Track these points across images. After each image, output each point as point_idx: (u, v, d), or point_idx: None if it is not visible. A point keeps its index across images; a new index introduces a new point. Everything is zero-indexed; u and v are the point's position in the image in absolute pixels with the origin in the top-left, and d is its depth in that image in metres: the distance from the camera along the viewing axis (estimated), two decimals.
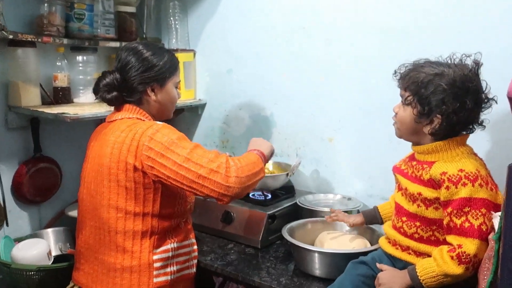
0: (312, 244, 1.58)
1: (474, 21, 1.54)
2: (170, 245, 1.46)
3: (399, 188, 1.35)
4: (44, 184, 2.04)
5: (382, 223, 1.50)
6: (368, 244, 1.52)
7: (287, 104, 2.06)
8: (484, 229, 1.13)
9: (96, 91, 1.50)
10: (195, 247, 1.58)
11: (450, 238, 1.18)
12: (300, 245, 1.47)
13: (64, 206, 2.12)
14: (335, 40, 1.87)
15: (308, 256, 1.47)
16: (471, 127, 1.25)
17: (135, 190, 1.39)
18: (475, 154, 1.27)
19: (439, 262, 1.16)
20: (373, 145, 1.83)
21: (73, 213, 2.00)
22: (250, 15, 2.11)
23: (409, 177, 1.30)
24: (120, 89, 1.48)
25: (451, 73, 1.19)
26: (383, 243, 1.37)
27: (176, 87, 1.58)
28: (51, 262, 1.76)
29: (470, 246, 1.13)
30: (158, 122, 1.44)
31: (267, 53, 2.08)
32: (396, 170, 1.39)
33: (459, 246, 1.14)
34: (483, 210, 1.14)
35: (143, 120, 1.48)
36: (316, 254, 1.45)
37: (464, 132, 1.26)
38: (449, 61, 1.25)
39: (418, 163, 1.28)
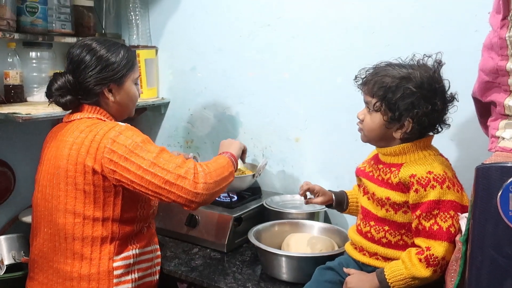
0: (280, 247, 1.55)
1: (438, 19, 1.54)
2: (131, 251, 1.39)
3: (365, 192, 1.32)
4: None
5: (345, 209, 1.45)
6: (336, 246, 1.50)
7: (253, 103, 2.01)
8: (452, 231, 1.13)
9: (49, 95, 1.41)
10: (158, 253, 1.52)
11: (418, 241, 1.17)
12: (266, 249, 1.44)
13: (18, 212, 2.00)
14: (301, 37, 1.84)
15: (275, 260, 1.44)
16: (437, 127, 1.24)
17: (94, 193, 1.31)
18: (441, 155, 1.26)
19: (407, 264, 1.14)
20: (340, 144, 1.81)
21: (28, 219, 1.89)
22: (213, 11, 2.05)
23: (375, 181, 1.28)
24: (74, 92, 1.38)
25: (418, 75, 1.16)
26: (349, 249, 1.35)
27: (136, 84, 1.49)
28: (3, 272, 1.67)
29: (438, 248, 1.12)
30: (120, 123, 1.36)
31: (231, 50, 2.03)
32: (361, 173, 1.36)
33: (428, 248, 1.13)
34: (452, 212, 1.14)
35: (104, 121, 1.39)
36: (283, 258, 1.42)
37: (431, 133, 1.25)
38: (410, 63, 1.22)
39: (385, 165, 1.26)
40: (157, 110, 2.30)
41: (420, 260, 1.13)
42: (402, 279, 1.14)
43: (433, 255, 1.12)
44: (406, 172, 1.19)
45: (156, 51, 2.25)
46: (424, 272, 1.12)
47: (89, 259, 1.33)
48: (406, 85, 1.15)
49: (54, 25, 1.98)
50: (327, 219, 1.83)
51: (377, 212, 1.26)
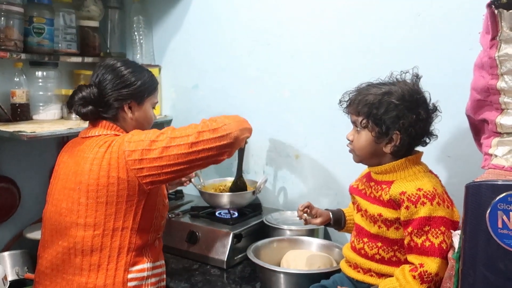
0: (279, 264, 1.55)
1: (434, 38, 1.56)
2: (146, 264, 1.40)
3: (358, 209, 1.34)
4: (1, 205, 1.96)
5: (343, 227, 1.47)
6: (334, 263, 1.50)
7: (253, 120, 2.00)
8: (444, 247, 1.13)
9: (70, 104, 1.46)
10: (164, 268, 1.52)
11: (411, 258, 1.18)
12: (264, 266, 1.44)
13: (23, 228, 2.03)
14: (300, 56, 1.87)
15: (273, 277, 1.44)
16: (425, 139, 1.27)
17: (116, 204, 1.34)
18: (431, 171, 1.28)
19: (401, 282, 1.15)
20: (339, 162, 1.82)
21: (33, 235, 1.92)
22: (215, 30, 2.09)
23: (368, 198, 1.30)
24: (96, 104, 1.44)
25: (398, 89, 1.21)
26: (344, 266, 1.35)
27: (153, 108, 1.57)
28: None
29: (431, 265, 1.13)
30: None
31: (232, 68, 2.07)
32: (354, 191, 1.38)
33: (421, 265, 1.14)
34: (442, 228, 1.14)
35: (119, 135, 1.44)
36: (281, 275, 1.42)
37: (420, 148, 1.27)
38: (390, 80, 1.27)
39: (377, 183, 1.28)
40: (160, 127, 2.31)
41: (414, 277, 1.13)
42: None
43: (426, 271, 1.12)
44: (396, 190, 1.20)
45: (160, 69, 2.30)
46: None
47: (106, 269, 1.34)
48: (389, 99, 1.20)
49: (60, 45, 2.04)
50: (326, 236, 1.83)
51: (370, 229, 1.27)
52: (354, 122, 1.28)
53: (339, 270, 1.42)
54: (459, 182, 1.32)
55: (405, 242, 1.19)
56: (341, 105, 1.32)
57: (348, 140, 1.31)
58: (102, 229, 1.34)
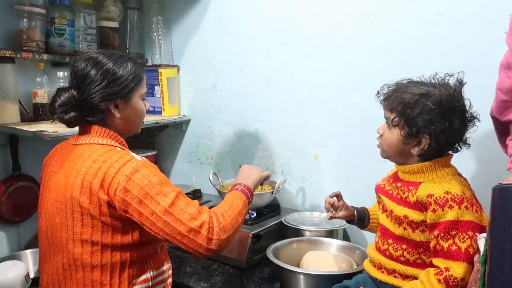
0: (298, 265, 1.55)
1: (456, 37, 1.54)
2: (149, 273, 1.34)
3: (383, 209, 1.33)
4: (23, 203, 1.99)
5: (366, 225, 1.47)
6: (355, 265, 1.50)
7: (272, 120, 2.04)
8: (471, 252, 1.12)
9: (52, 112, 1.32)
10: (170, 271, 1.45)
11: (436, 261, 1.17)
12: (285, 267, 1.44)
13: None
14: (319, 56, 1.87)
15: (293, 277, 1.44)
16: (457, 146, 1.24)
17: (112, 224, 1.25)
18: (460, 175, 1.26)
19: (426, 285, 1.14)
20: (358, 162, 1.81)
21: None
22: (233, 30, 2.10)
23: (394, 199, 1.28)
24: (79, 109, 1.29)
25: (437, 93, 1.18)
26: (368, 266, 1.35)
27: (143, 99, 1.42)
28: (28, 285, 1.70)
29: (457, 269, 1.11)
30: (137, 157, 1.28)
31: (250, 68, 2.07)
32: (380, 190, 1.37)
33: (447, 269, 1.12)
34: (470, 233, 1.13)
35: (116, 148, 1.31)
36: (302, 276, 1.42)
37: (450, 152, 1.25)
38: (432, 81, 1.24)
39: (404, 184, 1.27)
40: (178, 127, 2.34)
41: (439, 281, 1.12)
42: None
43: (452, 275, 1.11)
44: (423, 192, 1.19)
45: (178, 69, 2.31)
46: None
47: (109, 285, 1.27)
48: (425, 102, 1.17)
49: (80, 45, 2.06)
50: (346, 237, 1.82)
51: (395, 230, 1.26)
52: (386, 118, 1.27)
53: (359, 272, 1.41)
54: (482, 184, 1.32)
55: (431, 245, 1.18)
56: (378, 97, 1.30)
57: (378, 133, 1.30)
58: (100, 245, 1.25)
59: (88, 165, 1.24)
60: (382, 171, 1.46)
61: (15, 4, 1.85)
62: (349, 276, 1.39)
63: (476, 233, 1.13)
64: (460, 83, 1.22)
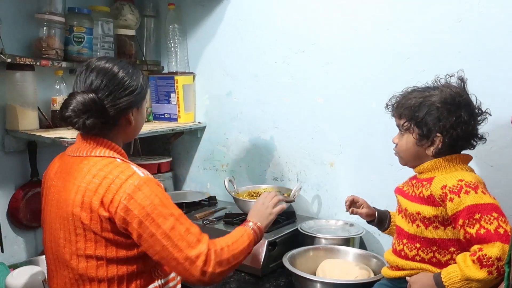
0: (314, 273, 1.54)
1: (474, 42, 1.53)
2: (157, 282, 1.30)
3: (399, 210, 1.34)
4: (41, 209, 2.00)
5: (386, 228, 1.48)
6: (372, 274, 1.48)
7: (287, 127, 2.04)
8: (502, 232, 1.10)
9: (65, 116, 1.22)
10: (179, 277, 1.39)
11: (472, 249, 1.15)
12: (302, 275, 1.43)
13: None
14: (335, 63, 1.86)
15: (310, 286, 1.43)
16: (472, 142, 1.26)
17: (114, 239, 1.21)
18: (473, 171, 1.27)
19: (461, 266, 1.12)
20: (375, 169, 1.80)
21: None
22: (249, 38, 2.10)
23: (409, 197, 1.30)
24: (97, 114, 1.22)
25: (439, 92, 1.23)
26: (385, 271, 1.35)
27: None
28: None
29: (491, 249, 1.09)
30: (138, 172, 1.22)
31: (266, 76, 2.07)
32: (398, 191, 1.38)
33: (480, 249, 1.11)
34: (495, 214, 1.12)
35: (115, 160, 1.25)
36: (319, 285, 1.41)
37: (469, 149, 1.26)
38: (435, 84, 1.29)
39: (418, 181, 1.29)
40: (194, 134, 2.35)
41: (473, 261, 1.11)
42: (458, 281, 1.13)
43: (485, 255, 1.09)
44: (437, 184, 1.20)
45: (194, 77, 2.32)
46: (478, 273, 1.09)
47: None
48: (430, 102, 1.22)
49: (98, 53, 2.09)
50: (362, 245, 1.81)
51: (408, 229, 1.27)
52: (398, 126, 1.31)
53: (377, 281, 1.40)
54: (502, 193, 1.30)
55: (461, 237, 1.17)
56: (387, 109, 1.34)
57: (394, 143, 1.33)
58: (106, 260, 1.22)
59: (87, 181, 1.20)
60: (398, 178, 1.46)
61: (35, 12, 1.88)
62: (366, 285, 1.38)
63: (503, 215, 1.12)
64: (461, 80, 1.26)
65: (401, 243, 1.29)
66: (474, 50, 1.53)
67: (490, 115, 1.27)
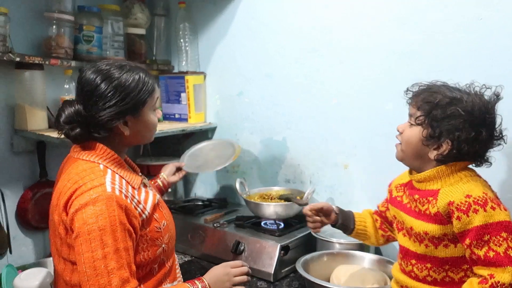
0: (328, 279, 1.50)
1: (495, 43, 1.47)
2: None
3: (400, 227, 1.26)
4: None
5: (351, 233, 1.43)
6: (388, 280, 1.44)
7: (300, 128, 1.99)
8: (511, 254, 1.04)
9: (57, 127, 1.24)
10: None
11: (478, 270, 1.09)
12: (316, 282, 1.38)
13: None
14: (349, 63, 1.81)
15: None
16: (477, 160, 1.17)
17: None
18: (479, 176, 1.19)
19: None
20: (390, 172, 1.73)
21: None
22: (261, 37, 2.06)
23: (412, 213, 1.21)
24: (83, 125, 1.20)
25: (470, 100, 1.12)
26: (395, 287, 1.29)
27: (155, 110, 1.30)
28: None
29: (503, 275, 1.04)
30: (106, 185, 1.15)
31: (278, 76, 2.03)
32: (397, 204, 1.29)
33: (491, 276, 1.05)
34: (504, 234, 1.05)
35: (98, 166, 1.20)
36: None
37: (471, 164, 1.19)
38: (467, 90, 1.18)
39: (421, 195, 1.19)
40: (204, 135, 2.31)
41: None
42: None
43: (499, 282, 1.03)
44: (443, 200, 1.12)
45: (204, 76, 2.28)
46: None
47: None
48: (456, 106, 1.12)
49: (108, 52, 2.06)
50: (377, 251, 1.75)
51: (416, 249, 1.20)
52: (410, 115, 1.21)
53: None
54: None
55: (467, 255, 1.11)
56: (406, 94, 1.24)
57: (398, 131, 1.24)
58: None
59: (64, 183, 1.19)
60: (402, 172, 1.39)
61: (44, 11, 1.86)
62: None
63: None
64: (497, 97, 1.15)
65: (409, 264, 1.22)
66: (493, 49, 1.47)
67: (505, 143, 1.18)
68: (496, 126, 1.15)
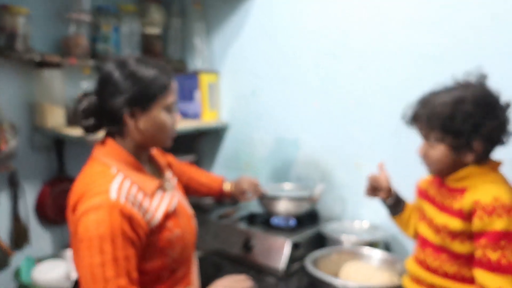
0: (337, 275, 1.51)
1: (508, 43, 1.46)
2: None
3: (423, 217, 1.27)
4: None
5: (395, 214, 1.42)
6: (397, 280, 1.44)
7: (314, 128, 2.00)
8: None
9: (76, 119, 1.29)
10: None
11: (480, 273, 1.09)
12: (325, 279, 1.40)
13: None
14: (367, 67, 1.80)
15: None
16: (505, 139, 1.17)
17: None
18: (504, 179, 1.18)
19: None
20: (403, 172, 1.74)
21: None
22: (276, 38, 2.08)
23: (437, 205, 1.22)
24: (97, 115, 1.21)
25: (469, 95, 1.12)
26: (406, 283, 1.30)
27: (171, 111, 1.24)
28: (72, 286, 1.74)
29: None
30: (111, 192, 1.12)
31: (293, 76, 2.04)
32: (424, 195, 1.30)
33: None
34: None
35: (109, 169, 1.18)
36: None
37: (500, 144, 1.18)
38: (454, 85, 1.18)
39: (449, 191, 1.20)
40: (218, 133, 2.35)
41: None
42: None
43: None
44: (469, 198, 1.12)
45: (218, 75, 2.31)
46: None
47: None
48: (463, 108, 1.11)
49: (124, 51, 2.10)
50: (387, 248, 1.76)
51: (433, 239, 1.21)
52: (426, 137, 1.20)
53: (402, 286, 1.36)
54: None
55: (476, 255, 1.11)
56: (405, 120, 1.24)
57: (421, 156, 1.23)
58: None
59: (77, 184, 1.18)
60: None
61: (63, 11, 1.91)
62: None
63: None
64: (483, 76, 1.16)
65: (424, 252, 1.23)
66: (510, 48, 1.46)
67: None
68: (500, 99, 1.15)
